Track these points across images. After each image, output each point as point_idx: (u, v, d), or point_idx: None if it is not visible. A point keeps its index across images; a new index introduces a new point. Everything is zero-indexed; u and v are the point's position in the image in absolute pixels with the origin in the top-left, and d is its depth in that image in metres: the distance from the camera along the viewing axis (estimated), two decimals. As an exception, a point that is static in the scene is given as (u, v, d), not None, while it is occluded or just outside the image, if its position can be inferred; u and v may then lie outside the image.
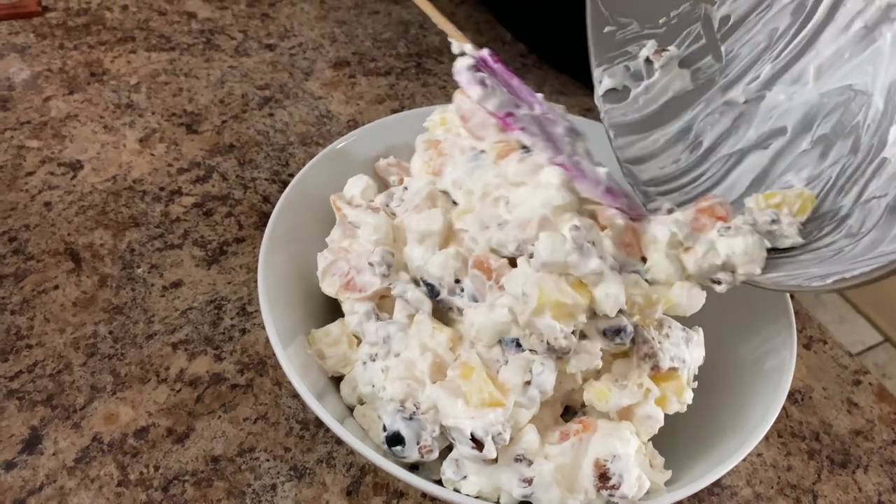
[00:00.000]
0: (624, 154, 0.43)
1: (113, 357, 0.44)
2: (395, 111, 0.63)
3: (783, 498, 0.43)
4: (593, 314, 0.35)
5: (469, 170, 0.39)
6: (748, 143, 0.41)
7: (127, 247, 0.50)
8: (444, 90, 0.66)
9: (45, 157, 0.55)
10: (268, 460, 0.41)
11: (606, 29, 0.44)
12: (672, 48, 0.44)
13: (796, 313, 0.52)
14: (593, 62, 0.44)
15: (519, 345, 0.35)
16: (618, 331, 0.35)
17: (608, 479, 0.32)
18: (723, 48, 0.43)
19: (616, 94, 0.44)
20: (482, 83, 0.38)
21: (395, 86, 0.66)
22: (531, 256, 0.34)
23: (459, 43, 0.41)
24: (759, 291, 0.43)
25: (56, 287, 0.47)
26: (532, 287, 0.33)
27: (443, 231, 0.39)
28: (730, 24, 0.43)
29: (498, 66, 0.41)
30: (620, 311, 0.35)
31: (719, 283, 0.35)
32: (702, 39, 0.43)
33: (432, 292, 0.37)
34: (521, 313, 0.33)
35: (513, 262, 0.36)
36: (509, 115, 0.37)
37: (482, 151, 0.40)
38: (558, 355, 0.35)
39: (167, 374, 0.44)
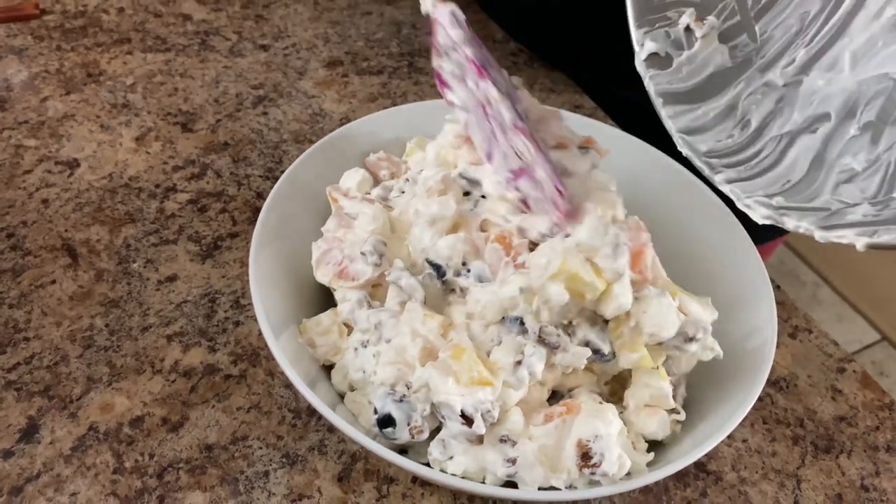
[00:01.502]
0: (677, 124, 0.42)
1: (109, 349, 0.45)
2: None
3: (767, 482, 0.44)
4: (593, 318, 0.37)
5: None
6: (795, 126, 0.41)
7: (123, 242, 0.51)
8: (436, 88, 0.67)
9: (42, 155, 0.56)
10: (260, 448, 0.41)
11: None
12: (712, 18, 0.43)
13: (782, 303, 0.53)
14: (633, 23, 0.43)
15: (522, 322, 0.37)
16: (597, 350, 0.37)
17: (590, 457, 0.33)
18: (757, 28, 0.43)
19: (657, 62, 0.43)
20: (463, 25, 0.36)
21: (388, 84, 0.67)
22: (567, 235, 0.37)
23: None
24: (743, 279, 0.43)
25: (53, 282, 0.48)
26: (558, 255, 0.35)
27: (453, 217, 0.40)
28: (762, 3, 0.43)
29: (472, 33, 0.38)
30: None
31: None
32: (736, 16, 0.43)
33: (438, 272, 0.39)
34: (539, 277, 0.35)
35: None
36: (485, 68, 0.36)
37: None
38: (550, 347, 0.36)
39: (162, 365, 0.44)
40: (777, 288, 0.54)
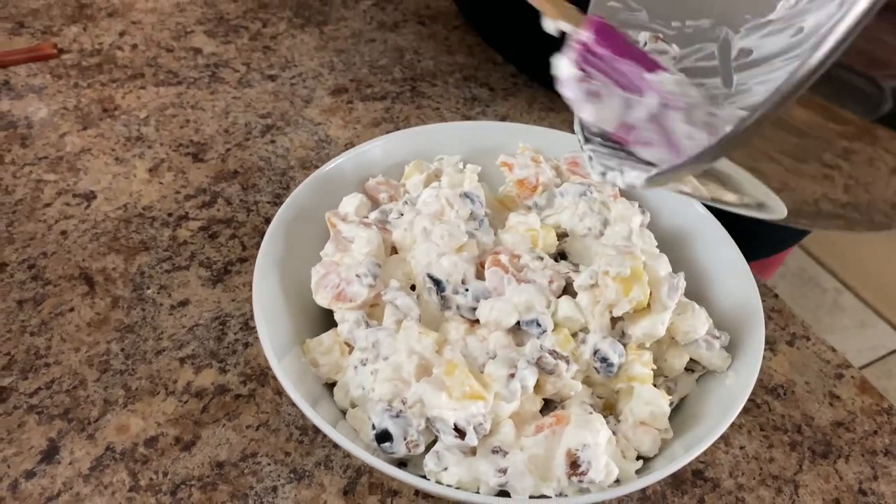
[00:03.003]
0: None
1: (124, 372, 0.47)
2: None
3: (765, 488, 0.44)
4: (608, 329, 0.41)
5: (577, 195, 0.47)
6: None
7: (137, 270, 0.53)
8: (438, 111, 0.69)
9: (61, 189, 0.58)
10: (269, 464, 0.43)
11: (610, 3, 0.39)
12: (674, 47, 0.39)
13: (780, 311, 0.54)
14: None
15: (539, 324, 0.39)
16: (605, 359, 0.40)
17: (578, 466, 0.35)
18: (735, 78, 0.39)
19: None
20: (592, 95, 0.33)
21: (391, 109, 0.69)
22: None
23: (554, 20, 0.34)
24: (731, 289, 0.45)
25: (72, 309, 0.50)
26: (625, 264, 0.40)
27: (461, 235, 0.43)
28: (750, 58, 0.39)
29: (604, 52, 0.34)
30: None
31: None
32: (714, 60, 0.40)
33: (438, 287, 0.40)
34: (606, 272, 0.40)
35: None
36: (627, 130, 0.33)
37: (590, 187, 0.47)
38: (547, 371, 0.38)
39: (175, 386, 0.46)
40: (775, 296, 0.55)
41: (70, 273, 0.52)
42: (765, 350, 0.51)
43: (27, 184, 0.58)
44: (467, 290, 0.41)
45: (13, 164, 0.60)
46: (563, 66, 0.33)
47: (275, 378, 0.47)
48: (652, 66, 0.34)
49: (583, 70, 0.32)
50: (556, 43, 0.47)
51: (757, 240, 0.65)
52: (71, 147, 0.62)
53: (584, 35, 0.33)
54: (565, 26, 0.33)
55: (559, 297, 0.41)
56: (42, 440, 0.43)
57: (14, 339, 0.48)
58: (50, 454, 0.43)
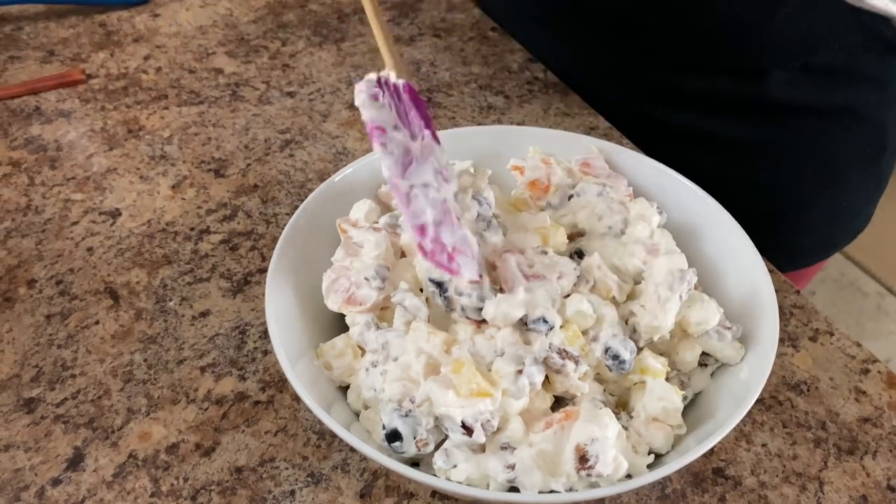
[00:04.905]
0: None
1: (147, 382, 0.48)
2: (407, 143, 0.67)
3: (788, 486, 0.43)
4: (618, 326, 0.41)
5: (594, 195, 0.48)
6: None
7: (160, 283, 0.54)
8: (454, 120, 0.70)
9: (87, 207, 0.60)
10: (287, 469, 0.44)
11: None
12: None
13: (801, 307, 0.53)
14: None
15: (546, 321, 0.39)
16: (616, 356, 0.40)
17: (587, 460, 0.34)
18: None
19: None
20: (374, 97, 0.38)
21: (407, 120, 0.70)
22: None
23: (390, 70, 0.41)
24: (744, 280, 0.44)
25: (97, 322, 0.51)
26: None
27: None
28: None
29: (406, 96, 0.41)
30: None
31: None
32: None
33: (440, 289, 0.41)
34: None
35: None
36: (380, 129, 0.38)
37: (606, 187, 0.48)
38: (554, 370, 0.38)
39: (196, 394, 0.47)
40: (796, 292, 0.54)
41: (96, 288, 0.54)
42: (787, 346, 0.50)
43: (55, 204, 0.60)
44: (472, 290, 0.41)
45: (43, 186, 0.62)
46: (367, 79, 0.38)
47: (292, 384, 0.48)
48: (428, 125, 0.41)
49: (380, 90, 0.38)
50: (576, 39, 0.47)
51: (780, 252, 0.64)
52: (97, 167, 0.64)
53: (400, 82, 0.40)
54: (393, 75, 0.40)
55: (569, 294, 0.41)
56: (68, 448, 0.44)
57: (42, 352, 0.49)
58: (75, 462, 0.44)
